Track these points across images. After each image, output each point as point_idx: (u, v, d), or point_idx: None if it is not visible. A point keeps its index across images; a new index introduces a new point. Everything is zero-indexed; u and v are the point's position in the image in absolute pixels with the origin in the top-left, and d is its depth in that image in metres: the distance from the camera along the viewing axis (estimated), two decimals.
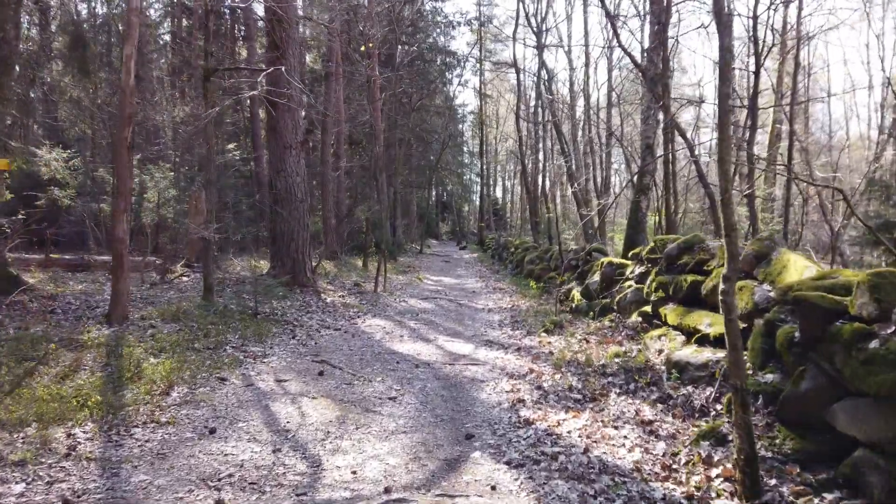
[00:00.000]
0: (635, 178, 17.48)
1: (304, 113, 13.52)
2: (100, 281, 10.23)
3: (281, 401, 4.88)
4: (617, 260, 7.51)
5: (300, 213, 11.07)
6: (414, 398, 4.98)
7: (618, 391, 4.81)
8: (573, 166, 19.95)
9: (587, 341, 6.35)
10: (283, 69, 9.25)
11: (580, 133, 27.04)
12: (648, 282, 6.32)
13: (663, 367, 4.91)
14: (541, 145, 25.08)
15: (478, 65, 31.10)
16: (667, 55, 14.14)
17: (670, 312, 5.60)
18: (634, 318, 6.46)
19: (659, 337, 5.53)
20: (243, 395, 5.01)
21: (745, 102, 15.50)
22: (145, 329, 6.70)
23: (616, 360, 5.43)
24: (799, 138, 18.40)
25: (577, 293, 8.08)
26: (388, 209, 22.86)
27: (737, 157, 16.54)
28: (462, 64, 30.73)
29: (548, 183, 26.89)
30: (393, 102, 25.63)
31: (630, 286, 6.86)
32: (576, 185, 17.31)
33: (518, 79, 20.95)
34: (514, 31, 20.66)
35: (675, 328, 5.46)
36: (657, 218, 18.65)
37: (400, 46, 27.90)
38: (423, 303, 10.94)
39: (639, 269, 6.82)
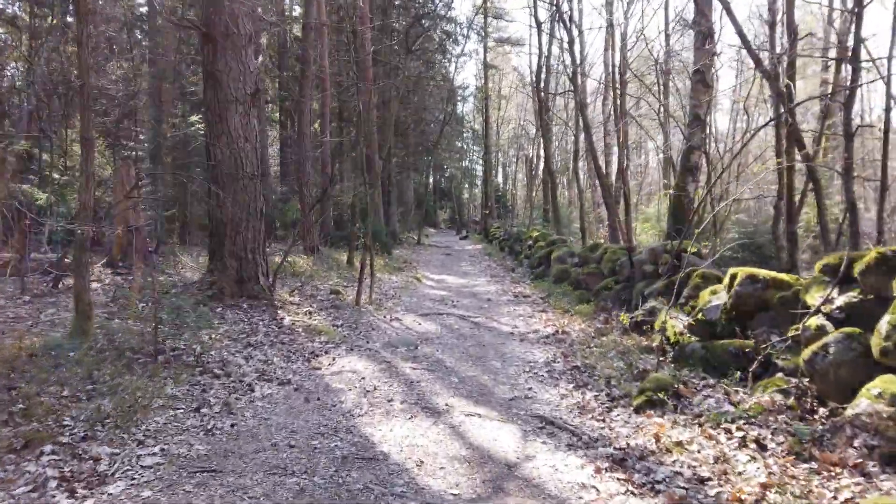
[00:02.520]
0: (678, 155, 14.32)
1: (260, 59, 10.21)
2: None
3: None
4: (764, 273, 4.34)
5: (251, 194, 7.83)
6: None
7: None
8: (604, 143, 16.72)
9: (759, 445, 3.18)
10: None
11: (606, 105, 23.75)
12: (886, 325, 3.14)
13: None
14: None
15: (482, 33, 27.64)
16: None
17: None
18: (866, 404, 3.15)
19: None
20: None
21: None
22: None
23: None
24: None
25: (675, 324, 4.92)
26: (377, 192, 19.58)
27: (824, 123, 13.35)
28: (465, 33, 27.26)
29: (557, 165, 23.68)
30: (386, 74, 22.26)
31: (821, 327, 3.65)
32: (626, 162, 14.10)
33: (539, 38, 17.57)
34: None
35: None
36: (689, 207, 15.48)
37: (395, 11, 24.50)
38: (424, 322, 7.74)
39: (839, 297, 3.63)
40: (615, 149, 25.34)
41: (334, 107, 21.74)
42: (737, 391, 4.04)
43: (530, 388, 4.82)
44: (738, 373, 4.22)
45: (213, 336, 5.96)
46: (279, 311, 7.36)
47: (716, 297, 4.80)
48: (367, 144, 20.20)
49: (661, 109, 15.98)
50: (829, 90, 14.15)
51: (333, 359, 5.76)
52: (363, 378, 5.12)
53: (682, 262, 6.11)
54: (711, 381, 4.33)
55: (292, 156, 17.06)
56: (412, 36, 26.04)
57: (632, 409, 4.07)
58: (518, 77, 43.00)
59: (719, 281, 5.49)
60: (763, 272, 4.42)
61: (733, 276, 4.59)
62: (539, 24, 17.27)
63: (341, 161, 24.92)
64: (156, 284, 5.44)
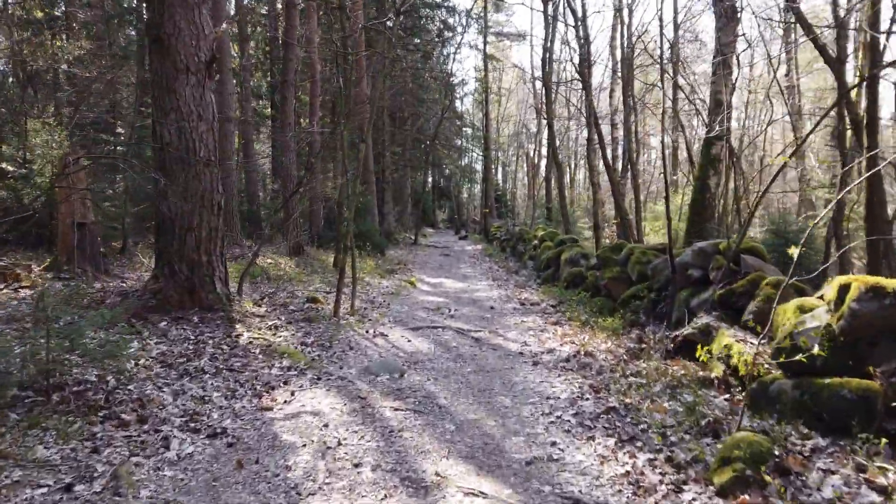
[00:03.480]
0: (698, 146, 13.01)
1: (224, 26, 8.85)
2: None
3: None
4: (894, 285, 3.02)
5: (206, 183, 6.48)
6: None
7: None
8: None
9: None
10: None
11: (613, 97, 22.46)
12: None
13: None
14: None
15: (481, 22, 26.29)
16: None
17: None
18: None
19: None
20: None
21: None
22: None
23: None
24: None
25: (743, 350, 3.60)
26: (370, 187, 18.17)
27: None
28: (464, 23, 25.91)
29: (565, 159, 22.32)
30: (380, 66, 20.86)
31: None
32: (636, 155, 12.79)
33: (546, 17, 16.19)
34: None
35: None
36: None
37: None
38: (415, 338, 6.39)
39: None
40: (620, 144, 24.03)
41: (327, 99, 20.38)
42: (873, 462, 2.71)
43: (554, 444, 3.47)
44: (864, 431, 2.89)
45: (141, 363, 4.61)
46: (236, 326, 6.01)
47: (810, 317, 3.47)
48: (358, 131, 18.91)
49: (672, 96, 14.62)
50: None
51: (292, 393, 4.41)
52: (326, 425, 3.77)
53: (742, 267, 4.76)
54: (822, 443, 2.99)
55: (280, 149, 15.70)
56: (409, 22, 24.74)
57: (712, 489, 2.73)
58: (519, 73, 41.77)
59: (801, 293, 4.14)
60: (892, 283, 3.09)
61: (843, 288, 3.25)
62: (545, 3, 15.90)
63: (333, 158, 23.57)
64: (43, 295, 4.08)
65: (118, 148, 13.07)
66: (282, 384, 4.60)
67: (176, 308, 6.23)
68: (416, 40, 25.05)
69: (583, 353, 5.44)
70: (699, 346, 4.02)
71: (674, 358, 4.81)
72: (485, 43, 26.46)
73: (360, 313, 7.51)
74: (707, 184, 12.43)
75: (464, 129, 34.42)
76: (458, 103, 38.01)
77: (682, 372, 4.46)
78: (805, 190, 16.63)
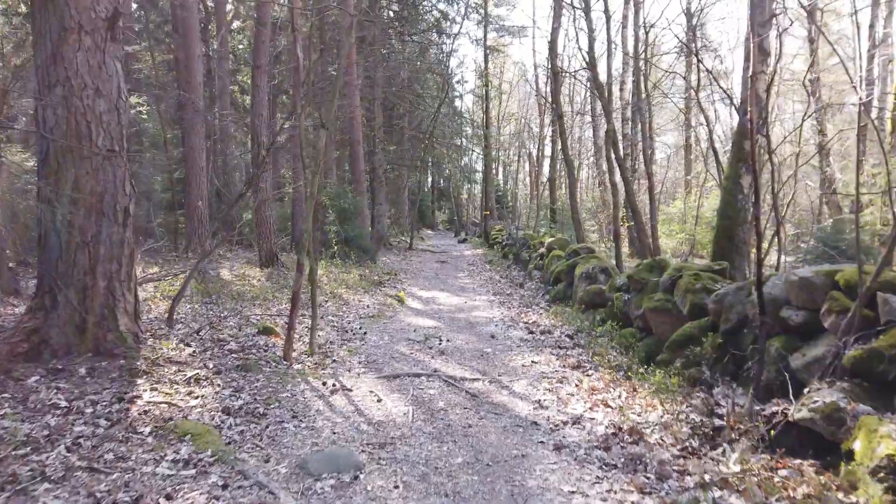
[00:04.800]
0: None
1: None
2: None
3: None
4: None
5: (107, 181, 4.79)
6: None
7: None
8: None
9: None
10: None
11: (623, 91, 20.74)
12: None
13: None
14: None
15: (481, 12, 24.59)
16: None
17: None
18: None
19: None
20: None
21: None
22: None
23: None
24: None
25: None
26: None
27: None
28: (464, 13, 24.18)
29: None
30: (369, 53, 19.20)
31: None
32: (650, 152, 11.01)
33: None
34: None
35: None
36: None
37: None
38: (388, 395, 4.68)
39: None
40: (630, 142, 22.30)
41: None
42: None
43: None
44: None
45: None
46: (138, 382, 4.30)
47: None
48: (351, 122, 17.19)
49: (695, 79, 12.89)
50: None
51: None
52: None
53: (884, 310, 3.06)
54: None
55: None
56: (405, 12, 23.06)
57: None
58: (520, 71, 40.13)
59: None
60: None
61: None
62: None
63: (327, 156, 21.86)
64: None
65: None
66: (161, 499, 2.90)
67: (61, 354, 4.53)
68: (413, 32, 23.38)
69: (626, 430, 3.73)
70: (823, 437, 2.33)
71: (774, 451, 3.11)
72: (485, 33, 24.75)
73: (323, 352, 5.80)
74: (739, 183, 10.76)
75: (463, 128, 32.74)
76: (458, 102, 36.42)
77: (802, 488, 2.75)
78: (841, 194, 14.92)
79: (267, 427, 3.84)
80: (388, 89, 21.71)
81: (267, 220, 11.64)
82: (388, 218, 23.02)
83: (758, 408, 3.44)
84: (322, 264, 12.13)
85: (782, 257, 12.24)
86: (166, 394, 4.18)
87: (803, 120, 13.36)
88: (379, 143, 19.94)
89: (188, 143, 13.10)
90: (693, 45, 14.93)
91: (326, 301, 8.76)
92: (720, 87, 12.10)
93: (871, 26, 18.03)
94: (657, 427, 3.76)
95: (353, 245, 14.23)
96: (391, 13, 22.78)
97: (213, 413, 3.95)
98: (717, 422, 3.61)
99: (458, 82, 33.61)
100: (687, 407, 3.93)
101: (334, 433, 3.81)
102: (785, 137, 12.69)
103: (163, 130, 14.09)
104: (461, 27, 23.89)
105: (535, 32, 51.71)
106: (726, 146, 19.00)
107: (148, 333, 5.50)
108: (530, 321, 7.99)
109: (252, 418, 3.96)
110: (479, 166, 37.38)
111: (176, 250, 12.90)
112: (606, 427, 3.88)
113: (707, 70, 11.08)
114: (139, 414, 3.78)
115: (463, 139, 33.51)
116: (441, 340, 6.74)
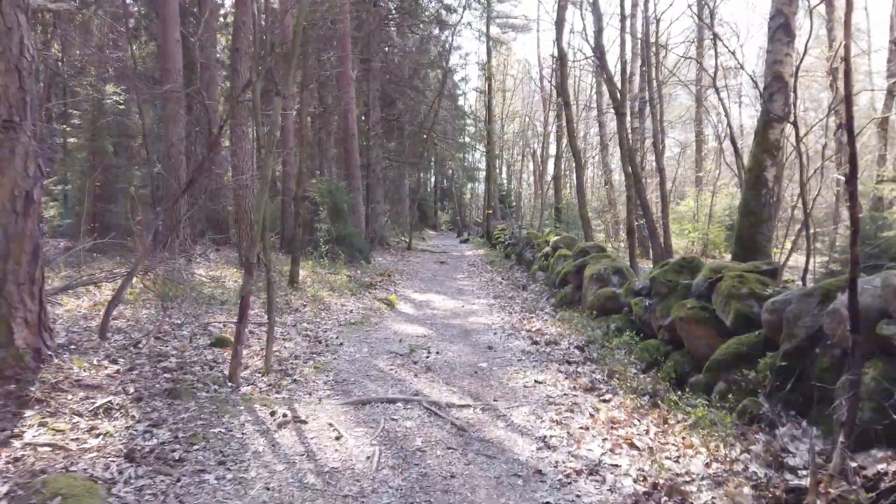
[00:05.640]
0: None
1: None
2: None
3: None
4: None
5: (1, 160, 3.82)
6: None
7: None
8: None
9: None
10: None
11: (632, 82, 19.73)
12: None
13: None
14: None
15: (483, 1, 23.58)
16: None
17: None
18: None
19: None
20: None
21: None
22: None
23: None
24: None
25: None
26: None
27: None
28: (466, 3, 23.18)
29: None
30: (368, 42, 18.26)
31: None
32: (662, 146, 9.85)
33: None
34: None
35: None
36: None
37: None
38: (351, 430, 3.70)
39: None
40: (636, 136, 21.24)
41: (311, 87, 17.72)
42: None
43: None
44: None
45: None
46: (26, 414, 3.33)
47: None
48: (346, 114, 16.24)
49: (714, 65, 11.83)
50: None
51: None
52: None
53: None
54: None
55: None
56: (405, 3, 22.10)
57: None
58: (524, 68, 39.21)
59: None
60: None
61: None
62: None
63: (321, 148, 20.91)
64: None
65: None
66: None
67: None
68: (412, 24, 22.42)
69: (663, 487, 2.73)
70: None
71: None
72: (488, 23, 23.78)
73: (283, 369, 4.81)
74: (763, 177, 9.73)
75: (466, 127, 31.77)
76: (461, 100, 35.45)
77: None
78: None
79: (178, 480, 2.86)
80: (387, 84, 20.80)
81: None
82: (385, 216, 22.07)
83: (853, 464, 2.43)
84: (308, 264, 11.18)
85: (811, 260, 11.16)
86: (57, 431, 3.21)
87: (830, 110, 12.29)
88: (376, 137, 18.97)
89: (167, 136, 12.18)
90: (710, 24, 13.90)
91: (304, 306, 7.79)
92: (742, 69, 11.07)
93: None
94: (705, 483, 2.75)
95: (346, 244, 13.27)
96: (391, 6, 21.85)
97: (110, 460, 2.97)
98: (791, 479, 2.60)
99: (461, 80, 32.68)
100: (742, 453, 2.92)
101: (268, 489, 2.83)
102: (811, 127, 11.60)
103: (142, 122, 13.17)
104: (461, 17, 22.79)
105: (540, 25, 50.66)
106: (740, 141, 17.90)
107: (72, 347, 4.54)
108: (534, 329, 7.00)
109: (163, 466, 2.98)
110: (483, 165, 36.41)
111: (155, 248, 11.97)
112: (635, 480, 2.88)
113: (729, 50, 10.03)
114: (4, 464, 2.81)
115: (466, 137, 32.56)
116: (429, 353, 5.75)
